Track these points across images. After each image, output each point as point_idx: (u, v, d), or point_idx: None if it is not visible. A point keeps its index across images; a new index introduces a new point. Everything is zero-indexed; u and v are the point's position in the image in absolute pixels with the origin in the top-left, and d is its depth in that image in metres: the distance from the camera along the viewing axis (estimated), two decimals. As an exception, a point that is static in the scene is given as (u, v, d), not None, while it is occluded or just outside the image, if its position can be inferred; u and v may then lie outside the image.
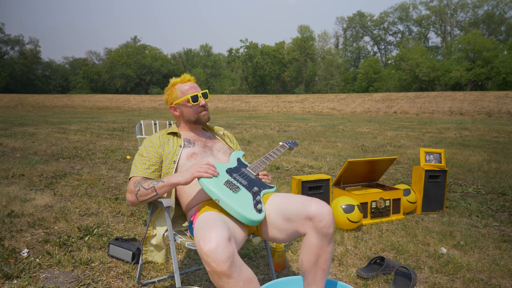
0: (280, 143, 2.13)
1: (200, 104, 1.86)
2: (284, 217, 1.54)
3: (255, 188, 1.65)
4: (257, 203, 1.59)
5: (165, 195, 1.77)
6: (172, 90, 1.88)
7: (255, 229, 1.69)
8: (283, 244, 2.37)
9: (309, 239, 1.47)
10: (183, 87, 1.86)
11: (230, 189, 1.58)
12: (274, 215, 1.59)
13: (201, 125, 1.93)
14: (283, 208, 1.57)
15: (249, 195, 1.61)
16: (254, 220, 1.50)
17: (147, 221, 1.85)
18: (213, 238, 1.25)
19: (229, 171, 1.69)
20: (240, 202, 1.54)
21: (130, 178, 1.74)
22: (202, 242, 1.25)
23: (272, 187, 1.73)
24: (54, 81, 64.46)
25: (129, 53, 58.76)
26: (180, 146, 1.80)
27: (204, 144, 1.87)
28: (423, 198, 3.42)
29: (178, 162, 1.76)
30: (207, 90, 1.93)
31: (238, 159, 1.83)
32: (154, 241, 1.79)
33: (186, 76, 1.90)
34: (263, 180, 1.76)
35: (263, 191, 1.68)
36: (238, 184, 1.63)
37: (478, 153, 7.14)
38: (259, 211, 1.56)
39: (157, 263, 2.34)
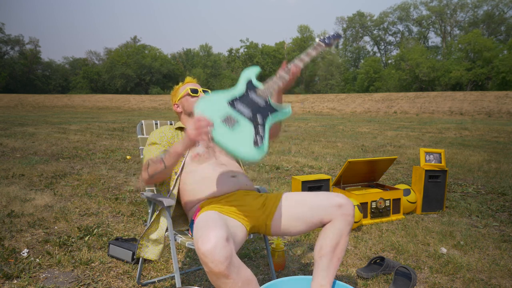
0: (316, 40, 1.69)
1: (200, 97, 1.91)
2: (310, 207, 1.59)
3: (259, 119, 1.46)
4: (258, 135, 1.42)
5: (165, 194, 1.78)
6: (176, 91, 2.02)
7: (263, 228, 1.69)
8: (283, 244, 2.37)
9: (335, 224, 1.55)
10: (185, 86, 1.99)
11: (228, 125, 1.41)
12: (296, 206, 1.63)
13: None
14: (307, 199, 1.62)
15: (249, 128, 1.43)
16: (252, 156, 1.36)
17: (147, 220, 1.85)
18: (212, 238, 1.25)
19: (232, 103, 1.49)
20: (236, 138, 1.38)
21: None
22: (200, 242, 1.25)
23: (286, 110, 1.52)
24: (54, 81, 64.44)
25: (129, 53, 58.76)
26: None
27: (207, 144, 1.91)
28: (423, 198, 3.42)
29: (185, 159, 1.82)
30: (209, 90, 2.00)
31: (249, 82, 1.58)
32: (154, 235, 1.79)
33: (188, 78, 2.04)
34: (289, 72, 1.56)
35: (271, 118, 1.48)
36: (238, 117, 1.44)
37: (478, 153, 7.14)
38: (257, 143, 1.39)
39: (150, 260, 2.34)
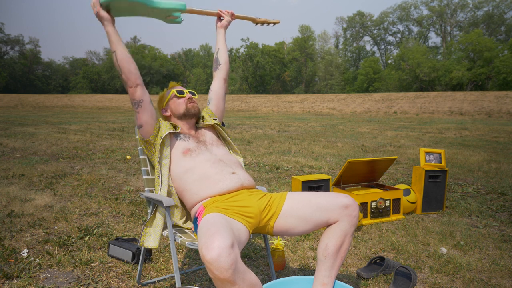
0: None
1: (187, 97, 1.96)
2: (316, 207, 1.60)
3: None
4: None
5: (165, 192, 1.79)
6: (161, 97, 2.05)
7: (266, 228, 1.69)
8: (283, 244, 2.37)
9: (341, 225, 1.57)
10: (169, 90, 2.02)
11: None
12: (302, 207, 1.63)
13: (192, 117, 1.97)
14: (313, 200, 1.63)
15: None
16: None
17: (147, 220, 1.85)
18: (216, 246, 1.24)
19: None
20: None
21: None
22: (205, 250, 1.25)
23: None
24: (54, 81, 64.52)
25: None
26: (175, 129, 1.92)
27: (198, 139, 1.93)
28: (423, 198, 3.42)
29: (171, 154, 1.85)
30: (194, 91, 2.04)
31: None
32: (155, 222, 1.80)
33: (171, 83, 2.06)
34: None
35: None
36: None
37: (478, 153, 7.14)
38: None
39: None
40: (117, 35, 1.73)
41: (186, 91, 1.98)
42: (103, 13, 1.69)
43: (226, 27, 2.17)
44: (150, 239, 1.76)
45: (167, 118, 2.01)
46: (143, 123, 1.83)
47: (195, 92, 2.03)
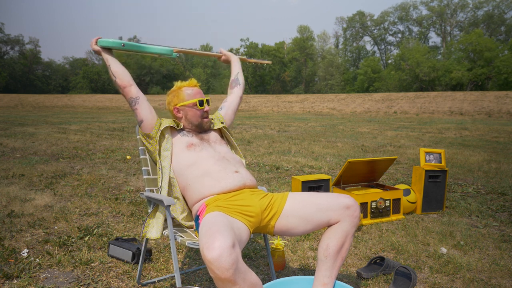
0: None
1: (205, 110, 1.95)
2: (318, 208, 1.61)
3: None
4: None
5: (166, 192, 1.79)
6: (178, 93, 1.97)
7: (267, 228, 1.69)
8: (283, 244, 2.37)
9: (342, 226, 1.58)
10: (190, 90, 1.96)
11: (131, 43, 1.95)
12: (303, 207, 1.64)
13: (201, 130, 1.98)
14: (314, 200, 1.64)
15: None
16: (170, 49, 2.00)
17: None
18: (217, 246, 1.25)
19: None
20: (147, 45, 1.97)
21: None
22: (206, 250, 1.25)
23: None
24: (54, 81, 64.50)
25: (129, 53, 58.72)
26: (177, 126, 1.94)
27: (201, 137, 1.94)
28: (423, 198, 3.42)
29: (172, 149, 1.87)
30: (209, 98, 2.02)
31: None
32: (157, 214, 1.80)
33: (193, 81, 2.00)
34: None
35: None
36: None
37: (478, 153, 7.14)
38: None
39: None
40: (110, 56, 1.93)
41: (204, 100, 1.95)
42: (95, 48, 1.93)
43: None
44: (153, 230, 1.77)
45: (177, 118, 1.99)
46: (143, 118, 1.87)
47: (210, 100, 2.00)
